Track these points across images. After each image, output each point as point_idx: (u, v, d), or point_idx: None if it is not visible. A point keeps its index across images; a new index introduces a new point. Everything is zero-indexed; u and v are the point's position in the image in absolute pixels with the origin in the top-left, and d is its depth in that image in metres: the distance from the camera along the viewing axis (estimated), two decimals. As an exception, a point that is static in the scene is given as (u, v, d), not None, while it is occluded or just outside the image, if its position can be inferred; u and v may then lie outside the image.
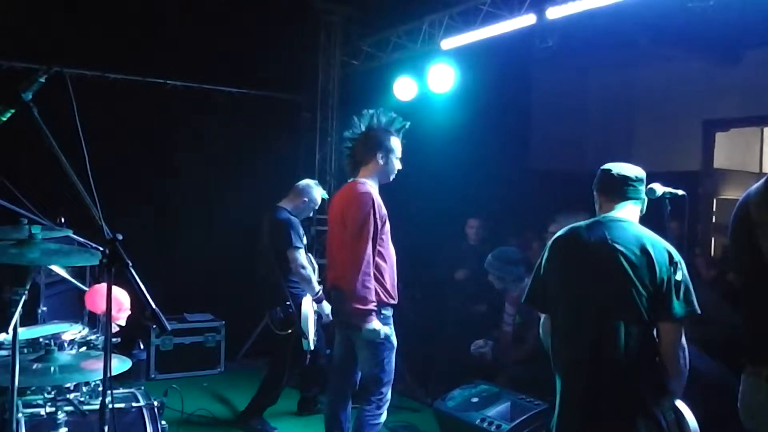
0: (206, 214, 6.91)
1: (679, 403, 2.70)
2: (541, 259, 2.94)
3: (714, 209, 7.83)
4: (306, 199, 5.16)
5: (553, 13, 5.14)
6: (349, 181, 3.99)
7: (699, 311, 2.62)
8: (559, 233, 2.93)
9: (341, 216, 3.83)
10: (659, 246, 2.66)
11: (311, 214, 5.42)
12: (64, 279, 3.83)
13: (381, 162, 3.89)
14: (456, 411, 4.35)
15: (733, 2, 4.49)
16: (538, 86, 8.30)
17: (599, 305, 2.69)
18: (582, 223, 2.87)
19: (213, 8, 6.52)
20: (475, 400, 4.39)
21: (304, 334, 4.82)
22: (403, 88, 6.82)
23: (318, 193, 5.21)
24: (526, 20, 5.40)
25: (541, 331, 2.98)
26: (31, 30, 5.74)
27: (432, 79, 6.41)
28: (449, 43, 6.22)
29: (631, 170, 2.87)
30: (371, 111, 3.96)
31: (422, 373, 5.93)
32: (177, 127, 6.81)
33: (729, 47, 6.93)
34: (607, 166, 2.91)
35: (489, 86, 7.10)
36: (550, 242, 2.94)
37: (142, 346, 5.13)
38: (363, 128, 3.94)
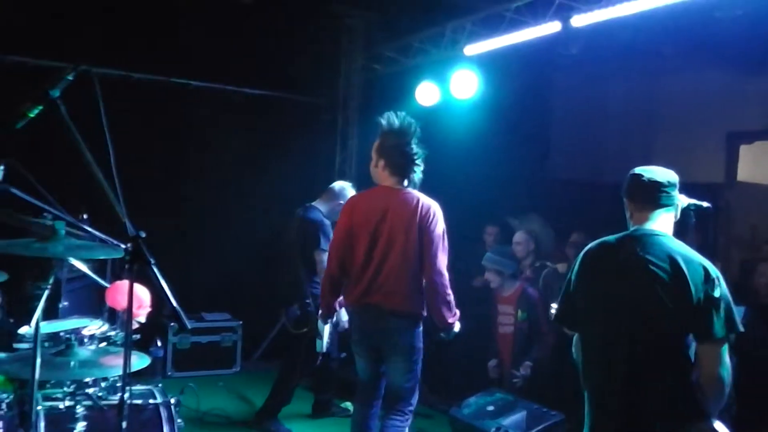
0: (226, 214, 6.94)
1: (718, 425, 2.51)
2: (571, 275, 2.79)
3: (737, 222, 7.72)
4: (341, 202, 5.14)
5: (578, 21, 5.09)
6: (395, 187, 3.80)
7: (741, 329, 2.45)
8: (588, 247, 2.78)
9: (408, 223, 3.66)
10: (694, 262, 2.48)
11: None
12: (85, 275, 3.88)
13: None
14: (471, 419, 4.35)
15: (761, 12, 4.43)
16: (559, 94, 8.25)
17: (631, 325, 2.55)
18: (612, 237, 2.70)
19: (236, 11, 6.57)
20: (490, 408, 4.39)
21: (319, 335, 4.82)
22: (426, 93, 6.80)
23: None
24: (550, 27, 5.35)
25: (573, 349, 2.85)
26: (57, 28, 5.81)
27: (455, 85, 6.37)
28: (472, 49, 6.20)
29: (663, 174, 2.68)
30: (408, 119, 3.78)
31: (436, 379, 5.90)
32: (199, 127, 6.85)
33: (754, 58, 6.84)
34: (637, 170, 2.71)
35: (511, 93, 7.06)
36: (579, 257, 2.78)
37: (159, 344, 5.16)
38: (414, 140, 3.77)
